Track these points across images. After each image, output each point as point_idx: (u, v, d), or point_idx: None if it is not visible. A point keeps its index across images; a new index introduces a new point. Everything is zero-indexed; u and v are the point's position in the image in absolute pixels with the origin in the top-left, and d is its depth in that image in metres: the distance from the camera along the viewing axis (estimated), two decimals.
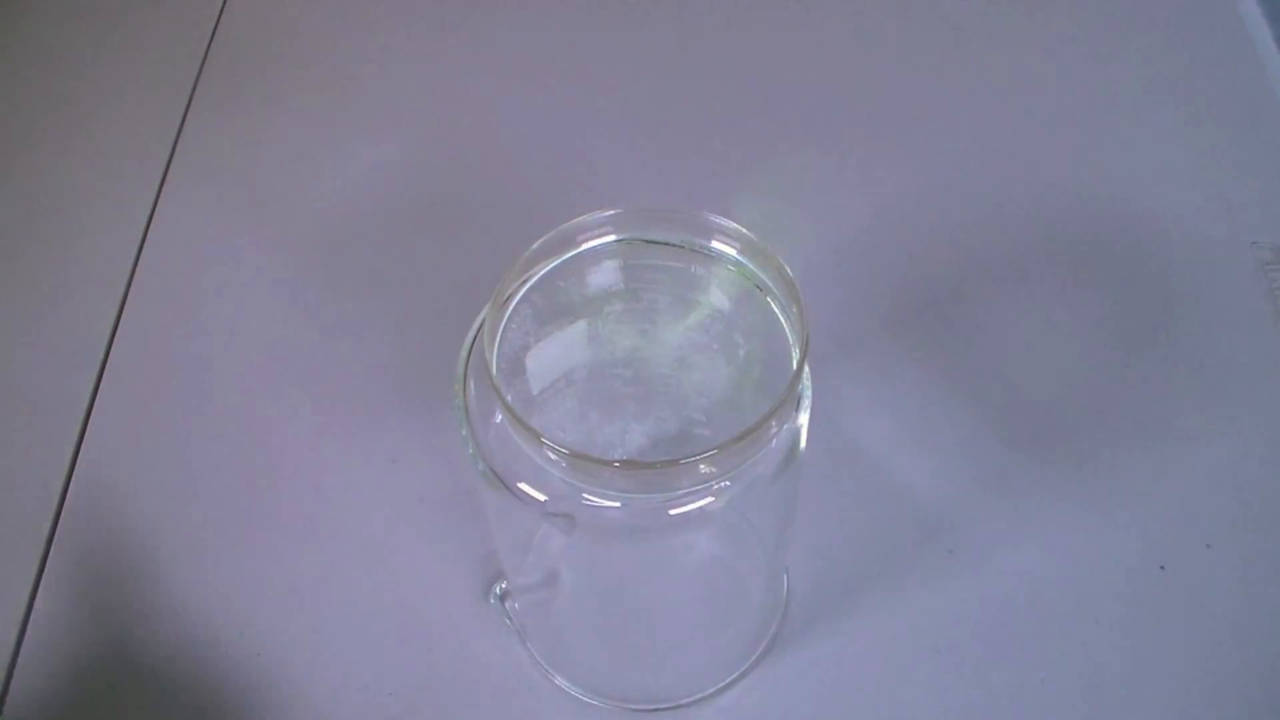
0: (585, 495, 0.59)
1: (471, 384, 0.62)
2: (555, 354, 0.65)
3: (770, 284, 0.62)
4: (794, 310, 0.61)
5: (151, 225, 1.00)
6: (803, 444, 0.63)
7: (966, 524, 0.80)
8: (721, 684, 0.76)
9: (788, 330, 0.62)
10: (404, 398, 0.88)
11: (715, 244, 0.64)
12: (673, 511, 0.59)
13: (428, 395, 0.88)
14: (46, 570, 0.81)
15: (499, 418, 0.60)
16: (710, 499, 0.59)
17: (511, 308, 0.63)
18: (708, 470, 0.57)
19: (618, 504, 0.59)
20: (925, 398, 0.86)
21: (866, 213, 0.97)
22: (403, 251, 0.96)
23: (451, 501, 0.83)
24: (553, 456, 0.57)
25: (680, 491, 0.58)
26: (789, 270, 0.61)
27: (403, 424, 0.87)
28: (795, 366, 0.59)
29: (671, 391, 0.67)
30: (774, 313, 0.63)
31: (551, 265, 0.64)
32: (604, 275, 0.65)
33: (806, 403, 0.62)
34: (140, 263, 0.97)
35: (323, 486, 0.84)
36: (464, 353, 0.63)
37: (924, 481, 0.82)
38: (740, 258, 0.63)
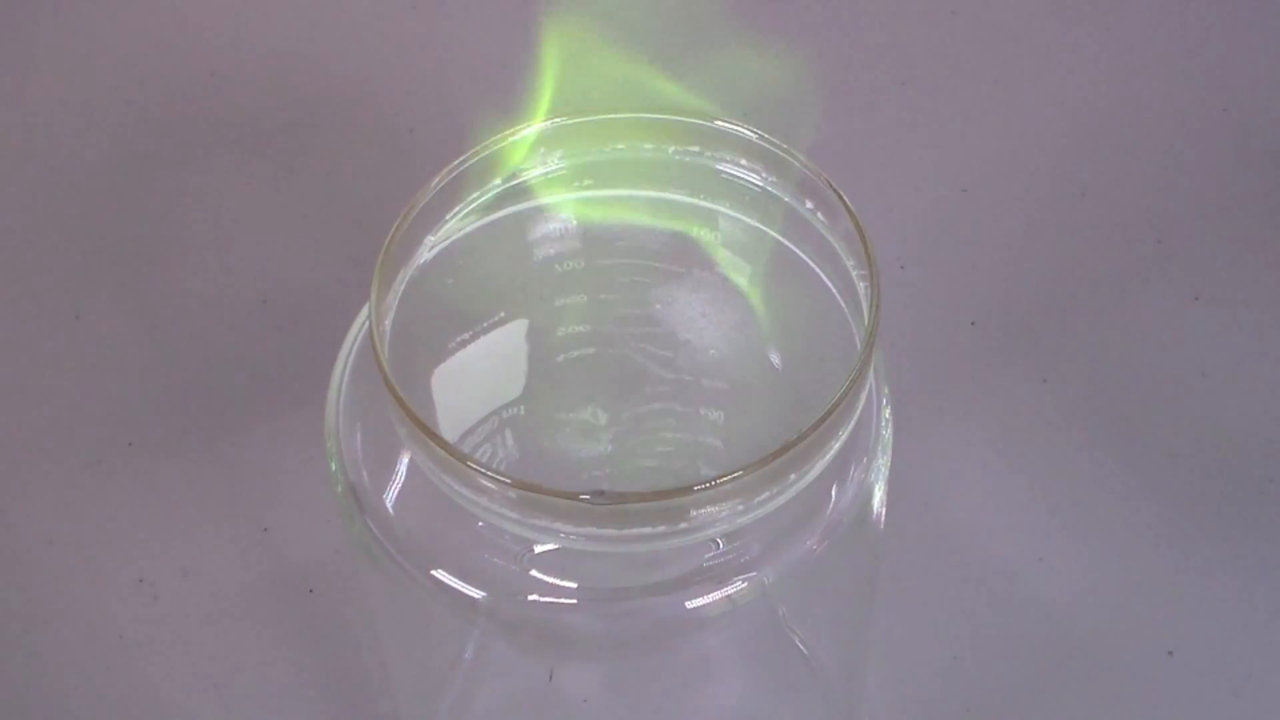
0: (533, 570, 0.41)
1: (342, 420, 0.43)
2: (476, 381, 0.47)
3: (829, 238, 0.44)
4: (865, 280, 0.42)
5: None
6: (877, 505, 0.44)
7: (1130, 636, 0.58)
8: None
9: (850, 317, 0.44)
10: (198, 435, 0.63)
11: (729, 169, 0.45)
12: (689, 604, 0.40)
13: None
14: None
15: (401, 469, 0.42)
16: (736, 583, 0.40)
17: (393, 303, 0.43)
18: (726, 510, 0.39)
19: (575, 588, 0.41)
20: (1056, 440, 0.63)
21: (958, 174, 0.74)
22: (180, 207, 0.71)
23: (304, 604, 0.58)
24: (484, 495, 0.39)
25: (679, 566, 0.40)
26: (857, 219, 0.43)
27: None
28: (859, 355, 0.40)
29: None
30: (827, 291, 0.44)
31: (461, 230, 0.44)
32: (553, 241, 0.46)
33: (886, 440, 0.43)
34: None
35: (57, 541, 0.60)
36: (337, 374, 0.44)
37: (1066, 577, 0.59)
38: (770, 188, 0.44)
